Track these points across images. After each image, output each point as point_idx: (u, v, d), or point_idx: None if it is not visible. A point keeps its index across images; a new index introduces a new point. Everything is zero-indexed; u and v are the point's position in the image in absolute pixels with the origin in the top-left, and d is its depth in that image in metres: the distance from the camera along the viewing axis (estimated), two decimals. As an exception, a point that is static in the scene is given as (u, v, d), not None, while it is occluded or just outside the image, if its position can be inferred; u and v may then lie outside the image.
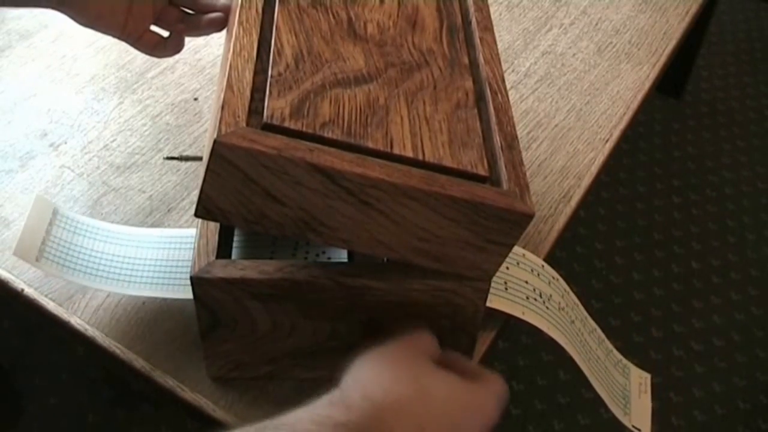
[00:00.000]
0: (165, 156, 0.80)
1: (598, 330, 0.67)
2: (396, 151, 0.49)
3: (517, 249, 0.66)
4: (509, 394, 0.53)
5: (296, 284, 0.53)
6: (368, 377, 0.49)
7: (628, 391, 0.66)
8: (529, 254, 0.67)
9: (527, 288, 0.64)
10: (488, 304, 0.58)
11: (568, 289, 0.68)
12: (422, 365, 0.50)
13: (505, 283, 0.64)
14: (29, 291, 0.68)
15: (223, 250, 0.59)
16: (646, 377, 0.67)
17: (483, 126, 0.54)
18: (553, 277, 0.68)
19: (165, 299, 0.67)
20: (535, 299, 0.64)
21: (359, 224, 0.49)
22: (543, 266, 0.68)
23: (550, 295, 0.66)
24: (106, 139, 0.82)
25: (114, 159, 0.80)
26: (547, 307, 0.64)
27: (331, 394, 0.48)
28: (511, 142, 0.54)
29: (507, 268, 0.65)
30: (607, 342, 0.68)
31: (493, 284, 0.62)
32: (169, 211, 0.75)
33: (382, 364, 0.50)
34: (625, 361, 0.68)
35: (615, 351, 0.68)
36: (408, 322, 0.54)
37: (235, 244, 0.64)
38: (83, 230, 0.65)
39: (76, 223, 0.65)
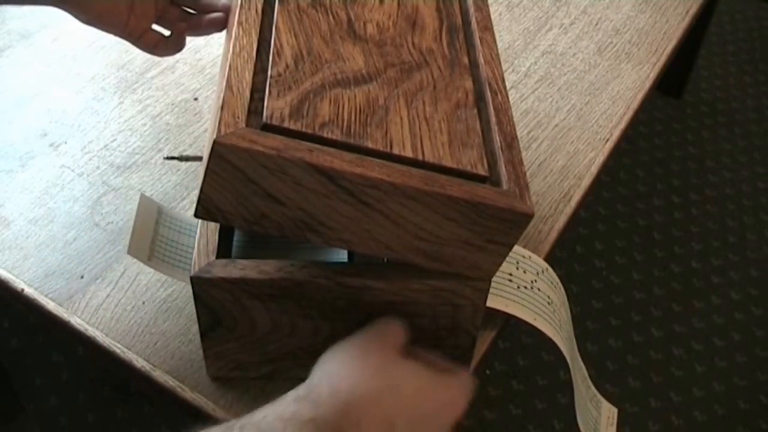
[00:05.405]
0: (165, 156, 0.80)
1: (584, 369, 0.71)
2: (395, 151, 0.49)
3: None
4: (474, 391, 0.53)
5: (296, 284, 0.53)
6: (336, 371, 0.49)
7: (599, 424, 0.70)
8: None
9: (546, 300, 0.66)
10: (489, 304, 0.58)
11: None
12: (391, 357, 0.50)
13: (554, 312, 0.65)
14: (29, 291, 0.68)
15: (223, 250, 0.59)
16: (614, 411, 0.72)
17: (483, 126, 0.54)
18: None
19: (165, 299, 0.67)
20: (553, 316, 0.65)
21: (359, 224, 0.49)
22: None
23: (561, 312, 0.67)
24: (106, 139, 0.82)
25: (114, 159, 0.80)
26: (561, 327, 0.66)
27: (297, 389, 0.47)
28: (511, 142, 0.54)
29: (552, 302, 0.66)
30: (588, 380, 0.72)
31: (544, 310, 0.63)
32: (169, 211, 0.75)
33: (350, 357, 0.50)
34: (599, 395, 0.72)
35: (592, 386, 0.72)
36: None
37: (235, 245, 0.64)
38: (187, 229, 0.62)
39: (181, 222, 0.63)
